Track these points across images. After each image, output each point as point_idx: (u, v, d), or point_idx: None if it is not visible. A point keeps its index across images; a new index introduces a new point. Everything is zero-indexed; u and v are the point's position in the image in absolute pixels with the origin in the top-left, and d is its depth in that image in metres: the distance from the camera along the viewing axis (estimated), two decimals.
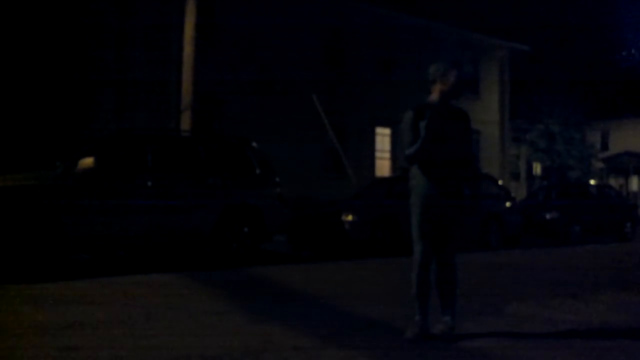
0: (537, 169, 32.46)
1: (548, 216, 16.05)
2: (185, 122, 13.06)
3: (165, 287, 7.23)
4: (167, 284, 7.54)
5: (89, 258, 10.20)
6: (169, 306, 6.01)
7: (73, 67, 16.09)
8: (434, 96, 4.84)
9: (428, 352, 4.41)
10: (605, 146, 39.16)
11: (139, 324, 5.21)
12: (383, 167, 22.18)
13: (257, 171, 10.43)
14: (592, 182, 23.37)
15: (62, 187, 8.32)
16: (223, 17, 18.07)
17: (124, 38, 16.51)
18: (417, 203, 4.77)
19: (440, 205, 4.70)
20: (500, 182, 15.83)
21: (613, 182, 35.46)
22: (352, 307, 6.14)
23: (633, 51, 29.38)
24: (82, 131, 14.31)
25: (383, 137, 22.04)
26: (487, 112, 25.46)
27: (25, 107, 15.16)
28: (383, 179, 17.70)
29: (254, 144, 10.70)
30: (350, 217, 11.74)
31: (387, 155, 22.26)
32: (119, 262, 10.04)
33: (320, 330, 5.05)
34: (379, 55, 22.19)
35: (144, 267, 9.33)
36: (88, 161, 8.37)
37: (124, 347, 4.44)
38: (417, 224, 4.76)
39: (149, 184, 9.05)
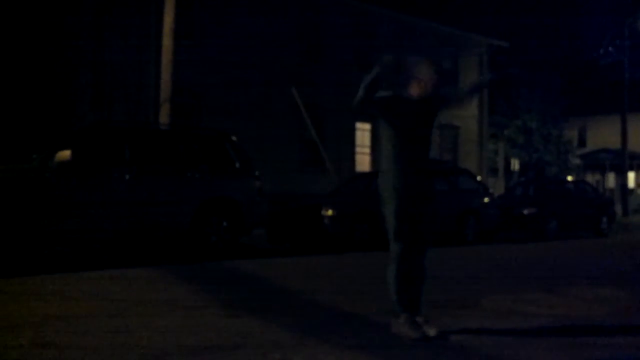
0: (515, 164, 32.68)
1: (525, 211, 16.16)
2: (164, 116, 12.99)
3: (142, 281, 7.18)
4: (144, 277, 7.49)
5: (65, 251, 10.10)
6: (146, 300, 5.98)
7: (50, 60, 15.91)
8: (413, 92, 4.71)
9: (405, 347, 4.42)
10: (582, 143, 39.52)
11: (116, 318, 5.17)
12: (363, 162, 22.21)
13: (237, 165, 10.40)
14: (569, 178, 23.60)
15: (39, 179, 8.23)
16: (202, 11, 17.96)
17: (102, 31, 16.36)
18: (393, 202, 4.59)
19: (416, 202, 4.63)
20: (478, 178, 15.92)
21: (590, 178, 35.80)
22: (332, 301, 6.14)
23: (611, 49, 29.68)
24: (59, 124, 14.16)
25: (363, 132, 22.06)
26: (466, 107, 25.56)
27: (1, 100, 14.97)
28: (363, 174, 17.74)
29: (234, 138, 10.67)
30: (329, 212, 11.74)
31: (368, 150, 22.31)
32: (95, 256, 9.96)
33: (299, 324, 5.05)
34: (359, 50, 22.17)
35: (121, 260, 9.26)
36: (65, 154, 8.29)
37: (100, 342, 4.41)
38: (394, 223, 4.59)
39: (127, 177, 8.99)
